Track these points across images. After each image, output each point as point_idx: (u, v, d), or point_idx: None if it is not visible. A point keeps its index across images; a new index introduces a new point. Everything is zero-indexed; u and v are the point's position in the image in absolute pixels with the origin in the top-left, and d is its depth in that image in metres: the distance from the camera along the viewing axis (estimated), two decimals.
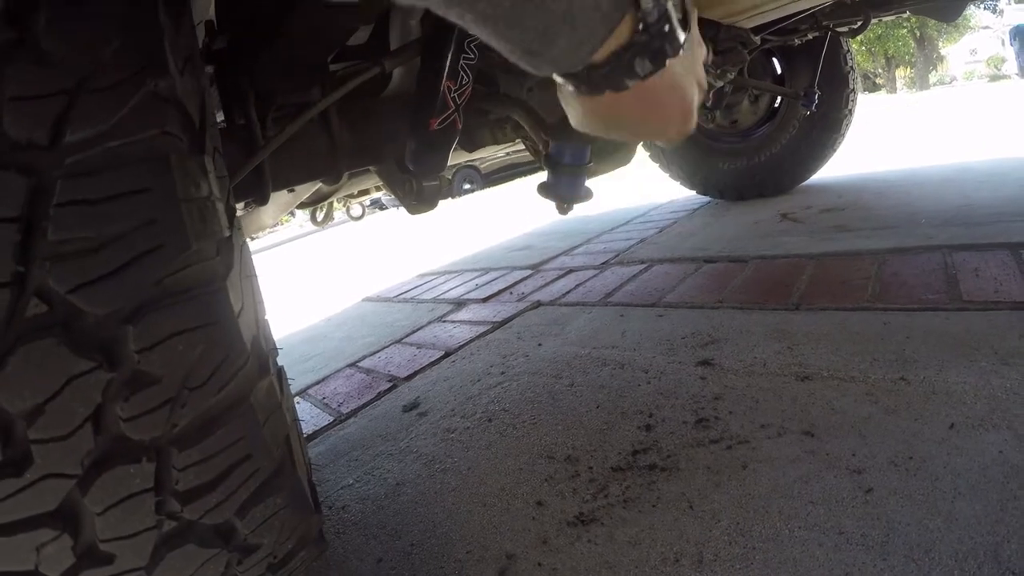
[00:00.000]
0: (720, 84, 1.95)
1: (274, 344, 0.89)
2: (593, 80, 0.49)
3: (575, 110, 0.55)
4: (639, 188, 5.38)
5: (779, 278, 1.99)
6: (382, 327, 2.73)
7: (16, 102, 0.47)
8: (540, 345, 1.86)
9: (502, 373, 1.71)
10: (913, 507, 0.85)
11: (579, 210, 4.70)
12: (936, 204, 2.56)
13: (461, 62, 1.24)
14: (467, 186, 15.26)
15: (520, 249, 3.87)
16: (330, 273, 5.59)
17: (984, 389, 1.11)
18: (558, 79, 0.51)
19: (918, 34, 22.98)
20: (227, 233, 0.63)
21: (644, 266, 2.57)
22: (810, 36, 2.75)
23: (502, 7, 0.39)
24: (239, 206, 1.96)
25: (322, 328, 3.12)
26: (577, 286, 2.50)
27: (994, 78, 20.76)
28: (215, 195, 0.63)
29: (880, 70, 26.82)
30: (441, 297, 3.04)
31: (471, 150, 1.62)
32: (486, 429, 1.41)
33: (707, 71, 1.86)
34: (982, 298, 1.49)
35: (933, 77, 26.34)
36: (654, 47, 0.47)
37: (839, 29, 2.71)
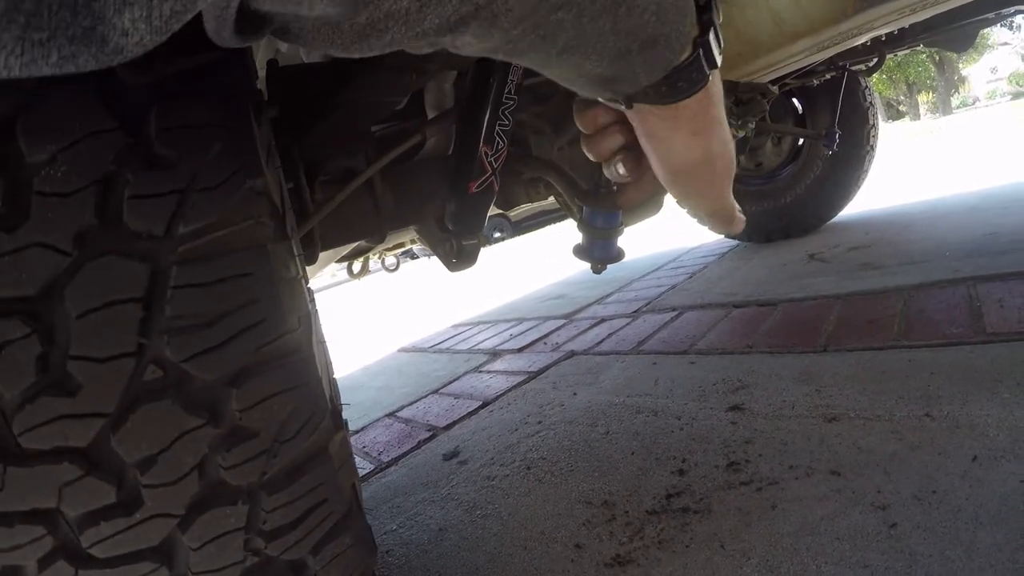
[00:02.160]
0: (742, 134, 2.03)
1: (340, 399, 0.97)
2: (674, 81, 0.56)
3: (665, 143, 0.62)
4: (669, 232, 5.44)
5: (807, 320, 2.04)
6: (419, 377, 2.80)
7: (135, 200, 0.56)
8: (575, 394, 1.92)
9: (539, 422, 1.77)
10: (935, 539, 0.89)
11: None
12: (961, 235, 2.60)
13: (496, 128, 1.33)
14: (497, 234, 15.42)
15: (553, 299, 3.94)
16: (365, 323, 5.70)
17: (1007, 420, 1.14)
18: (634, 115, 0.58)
19: (937, 58, 22.93)
20: (308, 307, 0.72)
21: (675, 313, 2.62)
22: (828, 76, 2.81)
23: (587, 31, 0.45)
24: None
25: (359, 378, 3.20)
26: (610, 335, 2.55)
27: (1016, 95, 20.61)
28: (300, 274, 0.72)
29: (902, 97, 26.76)
30: (476, 347, 3.11)
31: (506, 209, 1.70)
32: (525, 476, 1.46)
33: (728, 123, 1.94)
34: (1006, 329, 1.52)
35: (956, 100, 26.22)
36: (708, 53, 0.55)
37: (855, 68, 2.77)
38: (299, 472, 0.67)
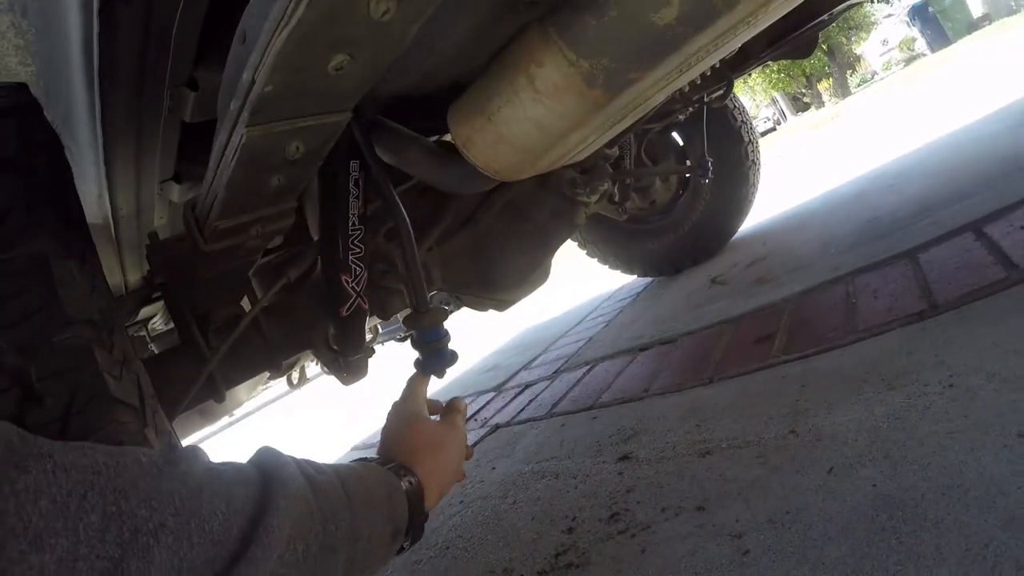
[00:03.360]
0: (594, 199, 2.17)
1: None
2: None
3: None
4: (594, 280, 5.58)
5: (701, 352, 2.17)
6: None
7: None
8: (494, 468, 2.06)
9: (460, 501, 1.90)
10: (784, 560, 0.96)
11: (541, 316, 4.90)
12: (847, 226, 2.75)
13: (350, 257, 1.47)
14: (448, 307, 15.45)
15: (487, 370, 4.08)
16: (319, 424, 5.75)
17: (867, 422, 1.21)
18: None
19: (826, 47, 23.58)
20: None
21: (588, 367, 2.77)
22: (688, 111, 2.86)
23: None
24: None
25: None
26: (531, 401, 2.70)
27: (909, 60, 21.28)
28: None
29: (804, 89, 27.47)
30: None
31: (386, 318, 1.83)
32: (443, 556, 1.59)
33: (577, 193, 2.09)
34: (876, 321, 1.62)
35: (856, 79, 26.98)
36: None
37: (708, 99, 2.79)
38: None
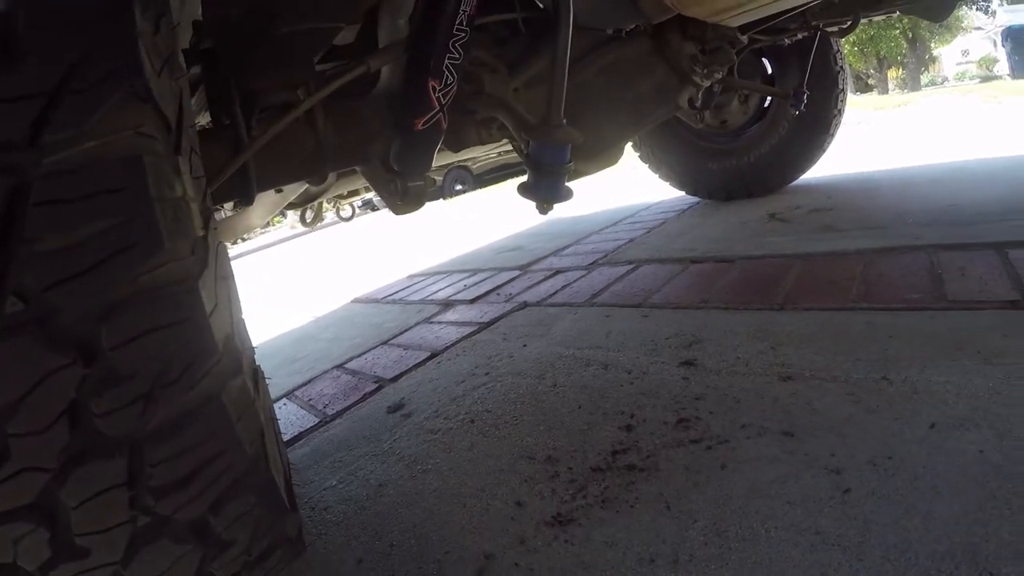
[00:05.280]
0: (707, 83, 1.96)
1: (250, 344, 0.89)
2: None
3: None
4: (629, 188, 5.38)
5: (765, 278, 2.00)
6: (370, 328, 2.73)
7: None
8: (525, 346, 1.87)
9: (486, 374, 1.71)
10: (891, 507, 0.86)
11: (569, 210, 4.71)
12: (924, 204, 2.57)
13: (446, 61, 1.24)
14: (459, 187, 15.26)
15: (510, 250, 3.87)
16: (321, 274, 5.59)
17: (966, 388, 1.10)
18: None
19: (910, 35, 22.99)
20: (201, 234, 0.64)
21: (631, 267, 2.58)
22: (799, 36, 2.75)
23: None
24: (227, 206, 1.96)
25: (311, 329, 3.12)
26: (564, 287, 2.50)
27: (986, 79, 20.90)
28: (190, 195, 0.63)
29: (872, 71, 26.86)
30: (429, 298, 3.04)
31: (456, 150, 1.62)
32: (468, 430, 1.41)
33: (694, 71, 1.87)
34: (967, 297, 1.49)
35: (925, 78, 26.41)
36: None
37: (829, 29, 2.71)
38: (187, 421, 0.60)
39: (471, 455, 1.29)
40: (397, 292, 3.49)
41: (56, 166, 0.50)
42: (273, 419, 0.79)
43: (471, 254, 4.13)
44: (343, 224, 11.50)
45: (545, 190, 1.03)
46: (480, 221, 6.26)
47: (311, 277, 5.56)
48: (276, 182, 1.41)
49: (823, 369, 1.30)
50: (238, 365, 0.67)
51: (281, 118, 1.21)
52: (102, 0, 0.53)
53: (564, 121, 1.04)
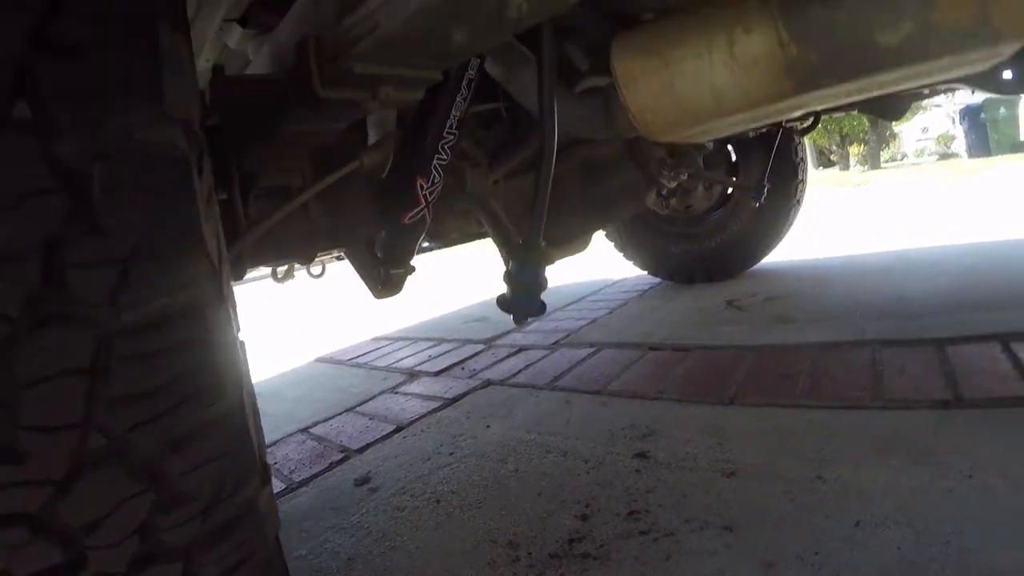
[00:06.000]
0: (674, 184, 2.10)
1: (264, 450, 0.98)
2: None
3: None
4: (595, 262, 5.52)
5: (718, 370, 2.12)
6: (335, 392, 2.80)
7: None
8: (488, 427, 1.96)
9: (451, 454, 1.80)
10: None
11: None
12: (874, 295, 2.74)
13: (435, 161, 1.36)
14: (426, 244, 15.33)
15: (475, 320, 3.98)
16: (286, 327, 5.62)
17: (892, 487, 1.21)
18: None
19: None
20: (242, 367, 0.75)
21: (593, 350, 2.69)
22: (763, 130, 2.89)
23: None
24: None
25: (276, 385, 3.18)
26: (527, 366, 2.60)
27: (944, 156, 21.56)
28: (237, 336, 0.74)
29: (835, 147, 27.54)
30: (394, 366, 3.12)
31: (438, 240, 1.73)
32: (435, 510, 1.49)
33: (662, 173, 2.02)
34: (903, 396, 1.62)
35: (885, 154, 27.15)
36: None
37: (790, 125, 2.85)
38: (231, 528, 0.69)
39: (437, 535, 1.38)
40: (362, 355, 3.56)
41: (134, 323, 0.60)
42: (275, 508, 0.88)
43: (437, 320, 4.21)
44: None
45: (522, 304, 1.14)
46: (447, 283, 6.36)
47: (276, 329, 5.58)
48: (267, 262, 1.50)
49: (765, 466, 1.41)
50: (267, 474, 0.78)
51: (276, 199, 1.31)
52: (170, 171, 0.64)
53: (544, 243, 1.15)
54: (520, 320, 1.20)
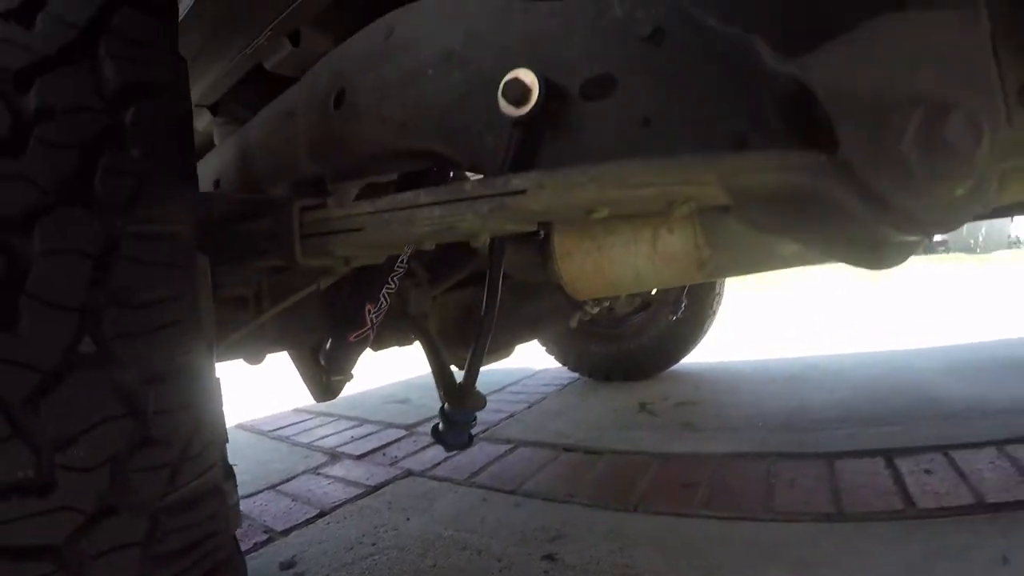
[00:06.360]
0: (597, 310, 2.29)
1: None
2: None
3: None
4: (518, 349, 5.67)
5: (626, 476, 2.29)
6: (257, 465, 2.85)
7: None
8: (409, 520, 2.07)
9: (373, 544, 1.90)
10: None
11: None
12: (778, 403, 2.97)
13: (384, 290, 1.51)
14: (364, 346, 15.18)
15: (397, 402, 4.09)
16: None
17: None
18: None
19: None
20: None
21: (510, 447, 2.84)
22: None
23: None
24: None
25: None
26: (447, 458, 2.72)
27: None
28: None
29: None
30: (316, 444, 3.20)
31: (377, 350, 1.87)
32: None
33: (587, 301, 2.21)
34: (791, 508, 1.80)
35: None
36: None
37: None
38: (198, 500, 0.81)
39: None
40: (283, 427, 3.61)
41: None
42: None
43: (358, 396, 4.28)
44: None
45: (453, 439, 1.29)
46: (367, 355, 6.40)
47: None
48: (217, 359, 1.61)
49: (661, 573, 1.57)
50: (232, 472, 0.91)
51: (234, 307, 1.43)
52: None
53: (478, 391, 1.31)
54: (450, 450, 1.35)
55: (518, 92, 0.81)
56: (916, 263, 13.57)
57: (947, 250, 17.70)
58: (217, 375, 0.91)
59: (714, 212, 0.99)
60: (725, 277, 1.25)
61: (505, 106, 0.82)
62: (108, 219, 0.72)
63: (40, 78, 0.70)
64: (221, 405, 0.86)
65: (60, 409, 0.67)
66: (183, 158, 0.83)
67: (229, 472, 0.90)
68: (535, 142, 0.84)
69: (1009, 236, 19.97)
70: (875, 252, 0.72)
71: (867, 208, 0.63)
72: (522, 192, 0.74)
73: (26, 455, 0.65)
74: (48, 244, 0.67)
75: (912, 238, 0.71)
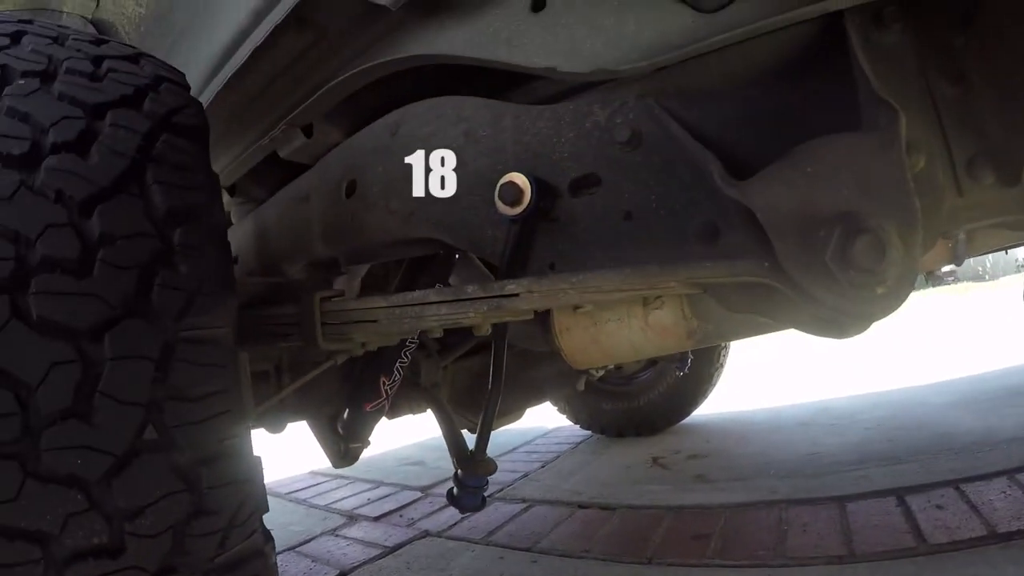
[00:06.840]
0: (600, 375, 2.37)
1: None
2: None
3: None
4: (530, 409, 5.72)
5: (640, 529, 2.33)
6: (275, 527, 2.81)
7: None
8: None
9: None
10: None
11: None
12: (788, 451, 3.02)
13: (397, 363, 1.60)
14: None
15: (412, 464, 4.13)
16: None
17: None
18: None
19: None
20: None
21: (525, 506, 2.88)
22: None
23: None
24: None
25: None
26: (463, 519, 2.76)
27: None
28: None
29: None
30: (333, 506, 3.25)
31: (391, 418, 1.95)
32: None
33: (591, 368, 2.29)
34: (803, 553, 1.84)
35: None
36: None
37: None
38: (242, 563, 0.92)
39: None
40: (300, 490, 3.66)
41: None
42: None
43: (373, 459, 4.30)
44: None
45: (467, 502, 1.37)
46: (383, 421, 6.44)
47: None
48: None
49: None
50: (271, 536, 1.04)
51: (255, 382, 1.52)
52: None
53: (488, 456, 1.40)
54: (464, 512, 1.44)
55: (513, 194, 0.92)
56: (928, 295, 13.62)
57: (956, 280, 17.73)
58: (257, 453, 1.00)
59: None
60: (715, 343, 1.34)
61: (502, 207, 0.93)
62: (164, 328, 0.83)
63: (100, 206, 0.82)
64: (262, 479, 0.96)
65: (129, 486, 0.79)
66: (223, 269, 0.94)
67: (268, 536, 1.01)
68: (531, 235, 0.95)
69: (1017, 260, 19.98)
70: (836, 325, 0.81)
71: (809, 302, 0.73)
72: (515, 295, 0.87)
73: (101, 524, 0.77)
74: (117, 351, 0.79)
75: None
